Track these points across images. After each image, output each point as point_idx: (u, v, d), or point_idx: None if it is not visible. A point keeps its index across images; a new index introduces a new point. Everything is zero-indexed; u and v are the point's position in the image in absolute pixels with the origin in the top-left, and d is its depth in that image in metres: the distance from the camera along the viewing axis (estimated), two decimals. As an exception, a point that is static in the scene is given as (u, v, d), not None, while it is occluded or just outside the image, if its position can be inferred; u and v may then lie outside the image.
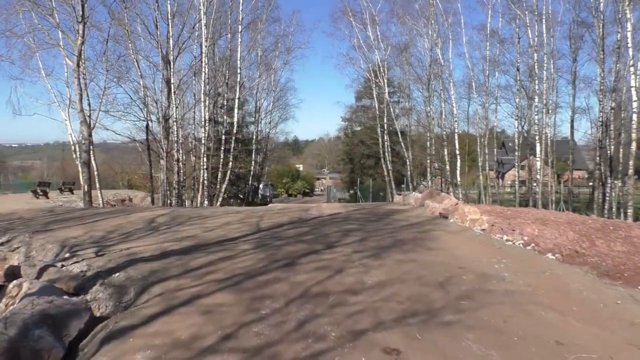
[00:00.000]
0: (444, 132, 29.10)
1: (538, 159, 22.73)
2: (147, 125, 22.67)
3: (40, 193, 23.84)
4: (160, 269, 6.06)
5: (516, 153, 27.90)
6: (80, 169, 17.27)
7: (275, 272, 5.99)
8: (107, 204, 30.65)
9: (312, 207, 14.60)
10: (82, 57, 19.85)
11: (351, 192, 46.24)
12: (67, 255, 6.89)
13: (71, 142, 20.04)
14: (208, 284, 5.48)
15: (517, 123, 27.53)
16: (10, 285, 6.05)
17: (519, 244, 8.28)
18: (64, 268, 6.21)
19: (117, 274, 5.82)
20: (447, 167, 28.33)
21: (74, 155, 18.63)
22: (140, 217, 11.44)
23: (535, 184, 25.09)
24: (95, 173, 22.35)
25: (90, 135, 17.16)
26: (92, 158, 22.14)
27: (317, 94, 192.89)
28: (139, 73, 22.23)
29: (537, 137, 23.06)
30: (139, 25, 23.68)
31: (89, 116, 20.17)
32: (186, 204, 23.48)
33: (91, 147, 22.02)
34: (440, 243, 7.98)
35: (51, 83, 22.18)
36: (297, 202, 51.56)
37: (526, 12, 22.95)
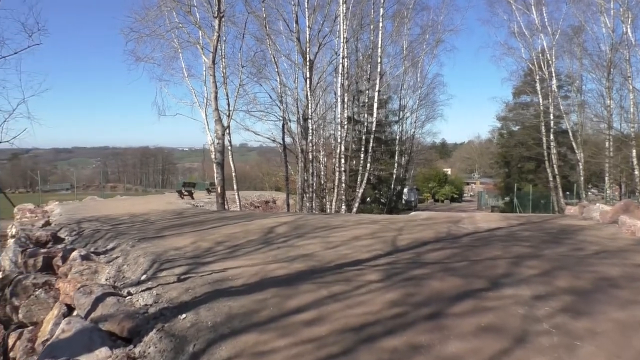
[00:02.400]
0: (632, 129, 23.75)
1: None
2: (284, 125, 21.84)
3: (185, 193, 24.38)
4: (245, 310, 4.23)
5: None
6: (215, 169, 16.75)
7: (411, 332, 3.78)
8: (251, 205, 30.90)
9: (464, 218, 11.91)
10: (222, 54, 19.60)
11: (506, 199, 41.37)
12: (143, 277, 5.46)
13: (209, 143, 20.00)
14: (302, 348, 3.48)
15: None
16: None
17: None
18: (127, 298, 4.72)
19: (184, 315, 4.12)
20: (637, 172, 22.93)
21: (212, 156, 18.44)
22: (260, 225, 10.01)
23: None
24: (233, 174, 22.08)
25: (224, 134, 16.56)
26: (230, 158, 21.96)
27: (469, 92, 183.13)
28: (277, 70, 21.51)
29: None
30: (280, 22, 23.05)
31: (229, 116, 19.88)
32: (327, 208, 22.17)
33: (229, 147, 21.84)
34: (678, 290, 5.02)
35: (193, 83, 22.43)
36: (444, 209, 48.07)
37: None
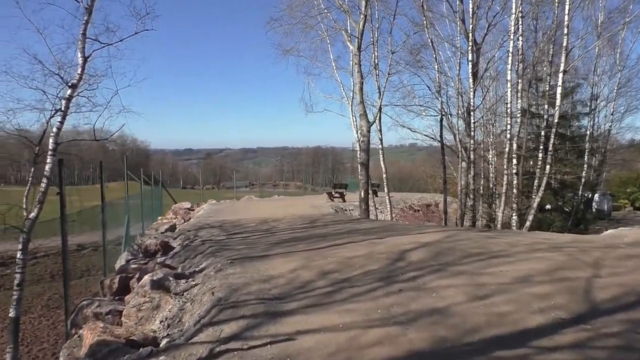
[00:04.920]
0: None
1: None
2: (442, 119, 18.95)
3: (336, 195, 22.82)
4: None
5: None
6: (359, 170, 14.84)
7: None
8: (410, 209, 28.38)
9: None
10: (372, 40, 17.53)
11: None
12: (164, 343, 3.64)
13: (355, 140, 18.17)
14: None
15: None
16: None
17: None
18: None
19: None
20: None
21: (357, 155, 16.60)
22: (392, 245, 7.72)
23: None
24: (384, 175, 19.89)
25: (369, 131, 14.50)
26: (381, 158, 19.89)
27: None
28: (434, 56, 18.68)
29: None
30: (439, 2, 20.18)
31: (379, 110, 17.79)
32: (496, 216, 18.80)
33: (380, 145, 19.77)
34: None
35: (341, 76, 20.68)
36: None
37: None
